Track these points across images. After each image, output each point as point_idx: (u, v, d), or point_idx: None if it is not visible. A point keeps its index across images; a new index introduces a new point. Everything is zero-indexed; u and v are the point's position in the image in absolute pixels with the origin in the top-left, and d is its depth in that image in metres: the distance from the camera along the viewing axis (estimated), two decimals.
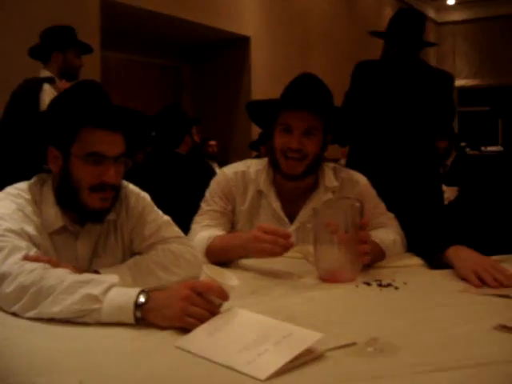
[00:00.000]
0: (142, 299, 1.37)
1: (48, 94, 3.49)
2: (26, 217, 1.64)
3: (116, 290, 1.39)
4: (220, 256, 2.01)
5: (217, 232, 2.12)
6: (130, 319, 1.36)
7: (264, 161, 2.26)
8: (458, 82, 12.90)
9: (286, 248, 1.82)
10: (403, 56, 3.35)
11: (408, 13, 3.45)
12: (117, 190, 1.73)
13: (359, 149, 3.39)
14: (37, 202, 1.70)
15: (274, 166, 2.17)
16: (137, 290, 1.39)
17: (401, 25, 3.33)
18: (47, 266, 1.47)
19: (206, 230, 2.12)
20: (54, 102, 1.78)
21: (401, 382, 1.06)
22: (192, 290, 1.36)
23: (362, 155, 3.35)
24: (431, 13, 12.84)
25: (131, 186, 1.90)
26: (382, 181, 2.44)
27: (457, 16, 12.88)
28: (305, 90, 2.10)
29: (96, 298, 1.37)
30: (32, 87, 3.58)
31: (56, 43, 3.75)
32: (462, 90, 12.91)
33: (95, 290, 1.38)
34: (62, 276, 1.42)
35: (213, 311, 1.35)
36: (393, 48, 3.39)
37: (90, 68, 4.94)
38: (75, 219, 1.74)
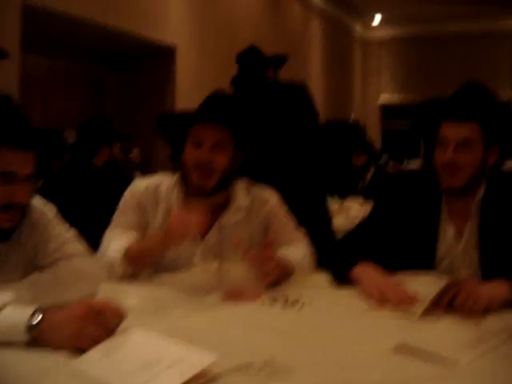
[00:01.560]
0: (35, 319, 1.32)
1: None
2: None
3: (9, 310, 1.34)
4: (140, 260, 2.00)
5: (127, 240, 2.07)
6: (22, 340, 1.31)
7: (175, 177, 2.23)
8: (384, 98, 13.23)
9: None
10: (246, 90, 3.64)
11: (242, 55, 3.75)
12: (26, 209, 1.68)
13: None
14: None
15: (184, 181, 2.15)
16: (31, 308, 1.35)
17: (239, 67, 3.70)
18: None
19: (116, 241, 2.08)
20: None
21: None
22: (88, 310, 1.33)
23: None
24: (358, 29, 13.13)
25: (36, 199, 1.83)
26: None
27: (383, 33, 13.20)
28: (216, 104, 2.12)
29: None
30: None
31: None
32: (387, 106, 13.23)
33: None
34: None
35: (109, 332, 1.32)
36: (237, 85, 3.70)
37: (9, 72, 4.81)
38: None
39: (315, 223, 3.34)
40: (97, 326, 1.31)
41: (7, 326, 1.31)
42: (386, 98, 13.22)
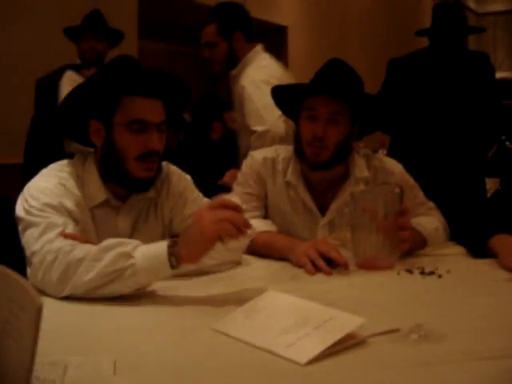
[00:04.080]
0: (172, 242, 1.40)
1: (68, 79, 3.43)
2: (67, 191, 1.64)
3: (145, 246, 1.42)
4: (262, 250, 1.95)
5: (261, 223, 2.06)
6: (166, 266, 1.37)
7: (292, 148, 2.17)
8: (499, 74, 12.63)
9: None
10: (443, 47, 3.35)
11: (445, 7, 3.46)
12: (160, 157, 1.72)
13: (401, 139, 3.36)
14: (79, 176, 1.71)
15: (299, 155, 2.09)
16: (164, 241, 1.42)
17: (441, 20, 3.38)
18: (75, 242, 1.46)
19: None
20: (93, 76, 1.81)
21: (447, 370, 1.01)
22: (210, 208, 1.39)
23: (404, 145, 3.31)
24: (471, 3, 12.61)
25: (173, 166, 1.90)
26: (425, 171, 2.36)
27: (497, 7, 12.62)
28: (331, 75, 2.03)
29: (128, 254, 1.38)
30: (54, 74, 3.56)
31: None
32: (504, 82, 12.65)
33: (125, 248, 1.39)
34: (89, 247, 1.43)
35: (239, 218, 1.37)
36: (438, 42, 3.38)
37: None
38: (117, 194, 1.74)
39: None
40: (225, 213, 1.37)
41: (149, 256, 1.38)
42: (502, 74, 12.64)
